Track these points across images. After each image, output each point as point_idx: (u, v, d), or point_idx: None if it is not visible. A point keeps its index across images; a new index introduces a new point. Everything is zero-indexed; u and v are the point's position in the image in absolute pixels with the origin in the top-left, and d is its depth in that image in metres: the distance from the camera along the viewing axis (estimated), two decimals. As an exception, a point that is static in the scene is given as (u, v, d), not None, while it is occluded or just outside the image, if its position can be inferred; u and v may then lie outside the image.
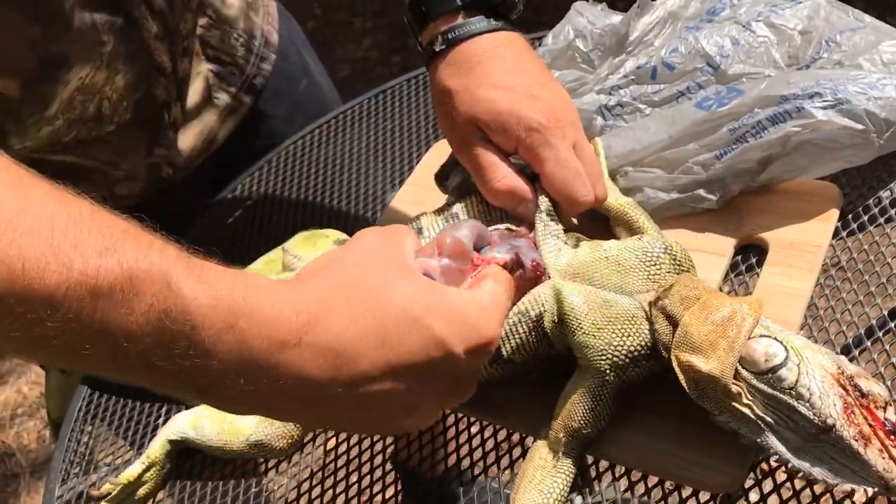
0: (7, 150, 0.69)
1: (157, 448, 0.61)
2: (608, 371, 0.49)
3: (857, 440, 0.45)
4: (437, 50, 0.58)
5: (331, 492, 0.61)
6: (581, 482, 0.53)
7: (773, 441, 0.46)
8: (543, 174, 0.56)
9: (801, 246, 0.59)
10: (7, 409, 2.07)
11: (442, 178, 0.66)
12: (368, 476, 0.60)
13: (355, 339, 0.40)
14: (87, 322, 0.34)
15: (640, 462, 0.53)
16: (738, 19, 0.64)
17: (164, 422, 0.65)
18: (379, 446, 0.61)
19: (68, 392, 0.75)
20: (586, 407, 0.51)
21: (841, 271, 0.58)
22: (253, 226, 0.85)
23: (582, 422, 0.51)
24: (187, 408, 0.64)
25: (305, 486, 0.62)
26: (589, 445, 0.52)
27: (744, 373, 0.46)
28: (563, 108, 0.57)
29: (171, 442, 0.61)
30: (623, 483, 0.53)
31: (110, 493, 0.61)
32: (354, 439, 0.63)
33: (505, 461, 0.57)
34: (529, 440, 0.56)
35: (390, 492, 0.60)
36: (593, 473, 0.55)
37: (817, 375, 0.46)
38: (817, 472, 0.45)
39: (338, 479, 0.61)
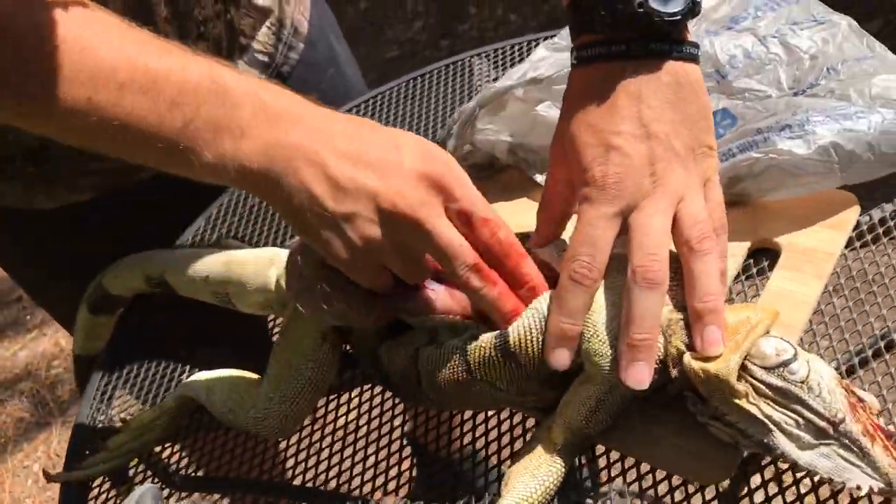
0: None
1: (170, 400, 0.64)
2: (619, 382, 0.50)
3: (864, 435, 0.46)
4: None
5: (347, 464, 0.63)
6: (589, 473, 0.55)
7: (781, 440, 0.46)
8: None
9: (813, 253, 0.60)
10: (44, 359, 2.15)
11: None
12: (385, 450, 0.62)
13: (340, 133, 0.50)
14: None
15: (634, 449, 0.54)
16: (756, 31, 0.65)
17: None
18: (397, 421, 0.63)
19: (91, 332, 0.78)
20: (590, 409, 0.52)
21: (851, 281, 0.59)
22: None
23: (584, 422, 0.52)
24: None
25: (322, 460, 0.64)
26: (587, 441, 0.53)
27: (755, 370, 0.47)
28: None
29: (184, 398, 0.64)
30: (632, 475, 0.55)
31: (122, 431, 0.64)
32: (370, 413, 0.64)
33: (519, 444, 0.58)
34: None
35: (405, 466, 0.61)
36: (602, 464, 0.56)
37: (824, 374, 0.47)
38: (824, 469, 0.46)
39: (355, 455, 0.63)
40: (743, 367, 0.48)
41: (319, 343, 0.59)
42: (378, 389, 0.66)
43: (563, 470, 0.52)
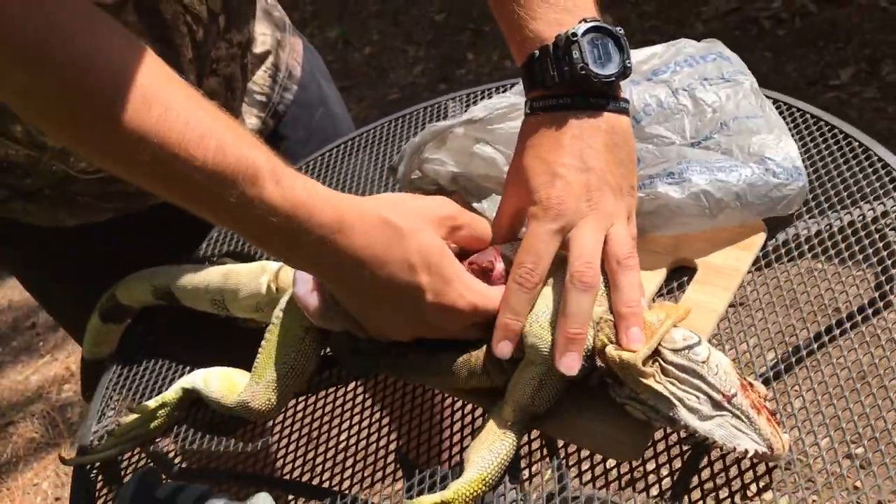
0: None
1: (171, 392, 0.73)
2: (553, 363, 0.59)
3: (752, 409, 0.56)
4: None
5: (338, 478, 0.69)
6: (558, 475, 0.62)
7: (683, 413, 0.56)
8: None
9: (724, 269, 0.69)
10: (55, 383, 2.24)
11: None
12: (372, 466, 0.69)
13: (362, 260, 0.59)
14: (204, 192, 0.55)
15: (567, 436, 0.64)
16: (671, 84, 0.74)
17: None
18: (384, 441, 0.71)
19: (99, 338, 0.87)
20: (534, 388, 0.61)
21: (755, 293, 0.68)
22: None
23: (530, 400, 0.61)
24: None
25: (312, 477, 0.70)
26: (534, 419, 0.62)
27: (666, 352, 0.57)
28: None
29: (185, 390, 0.73)
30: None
31: (127, 419, 0.73)
32: (366, 439, 0.71)
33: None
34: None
35: (398, 485, 0.68)
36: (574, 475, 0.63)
37: (722, 360, 0.57)
38: (719, 436, 0.55)
39: (344, 471, 0.69)
40: (656, 352, 0.57)
41: (302, 335, 0.69)
42: (376, 407, 0.74)
43: (515, 443, 0.61)
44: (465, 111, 0.80)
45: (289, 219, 0.56)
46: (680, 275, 0.72)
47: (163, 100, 0.53)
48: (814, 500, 0.54)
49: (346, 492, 0.69)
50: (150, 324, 0.88)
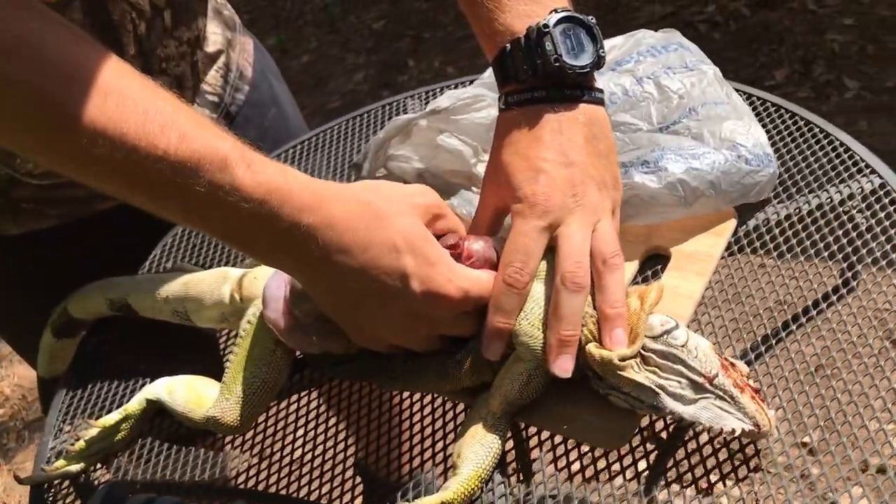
0: None
1: (134, 403, 0.70)
2: (544, 361, 0.59)
3: (735, 387, 0.56)
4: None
5: (305, 489, 0.68)
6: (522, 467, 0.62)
7: (667, 401, 0.56)
8: None
9: (697, 255, 0.70)
10: (-11, 409, 2.14)
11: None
12: (329, 478, 0.68)
13: (341, 245, 0.55)
14: (169, 185, 0.51)
15: (551, 427, 0.63)
16: (634, 73, 0.74)
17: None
18: (341, 454, 0.69)
19: (55, 355, 0.83)
20: (522, 382, 0.60)
21: (730, 278, 0.69)
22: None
23: (518, 394, 0.60)
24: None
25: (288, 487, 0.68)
26: (520, 411, 0.61)
27: (645, 340, 0.56)
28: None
29: (148, 401, 0.70)
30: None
31: (90, 435, 0.69)
32: (319, 450, 0.70)
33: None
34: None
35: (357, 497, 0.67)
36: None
37: (701, 342, 0.57)
38: (704, 419, 0.55)
39: (311, 482, 0.68)
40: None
41: (273, 349, 0.66)
42: (334, 419, 0.72)
43: (504, 436, 0.60)
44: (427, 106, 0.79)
45: (262, 204, 0.53)
46: (653, 263, 0.72)
47: (118, 90, 0.50)
48: (763, 487, 0.54)
49: (316, 501, 0.67)
50: (106, 333, 0.84)
